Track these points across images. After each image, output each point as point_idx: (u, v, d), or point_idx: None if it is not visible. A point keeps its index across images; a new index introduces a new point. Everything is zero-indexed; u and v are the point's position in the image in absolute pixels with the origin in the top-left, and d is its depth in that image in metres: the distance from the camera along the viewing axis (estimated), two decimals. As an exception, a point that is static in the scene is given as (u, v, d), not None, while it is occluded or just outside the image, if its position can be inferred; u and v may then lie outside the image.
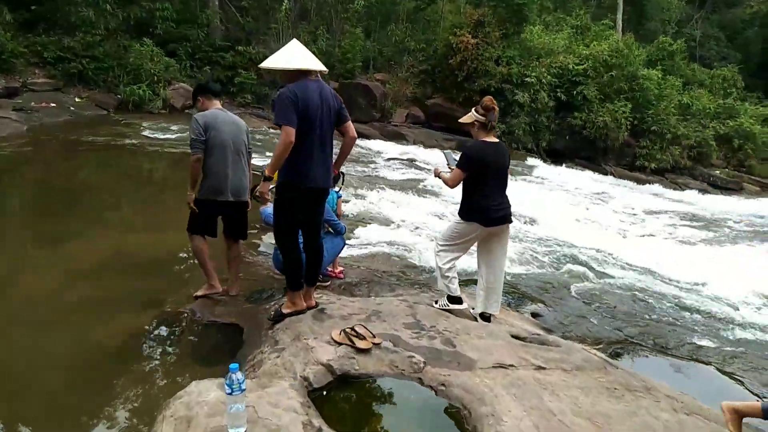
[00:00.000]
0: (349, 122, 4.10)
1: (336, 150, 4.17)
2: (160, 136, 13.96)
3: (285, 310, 4.06)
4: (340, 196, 5.46)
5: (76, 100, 17.08)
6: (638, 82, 20.21)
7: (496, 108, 4.42)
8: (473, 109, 4.46)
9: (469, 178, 4.38)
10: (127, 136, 13.49)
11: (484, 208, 4.36)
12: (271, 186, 3.93)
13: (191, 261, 5.72)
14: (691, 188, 18.68)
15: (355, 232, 7.53)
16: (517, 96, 19.37)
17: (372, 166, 13.71)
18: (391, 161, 14.85)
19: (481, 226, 4.37)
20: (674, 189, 18.28)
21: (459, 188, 4.51)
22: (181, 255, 5.98)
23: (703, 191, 18.58)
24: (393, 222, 8.52)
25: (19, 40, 17.19)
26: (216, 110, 4.52)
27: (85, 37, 17.86)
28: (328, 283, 5.20)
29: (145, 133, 14.28)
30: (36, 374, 3.75)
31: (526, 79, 19.41)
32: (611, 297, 6.53)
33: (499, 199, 4.43)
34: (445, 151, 4.93)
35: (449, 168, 4.66)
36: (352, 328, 3.63)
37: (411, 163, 15.03)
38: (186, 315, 4.54)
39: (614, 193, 15.36)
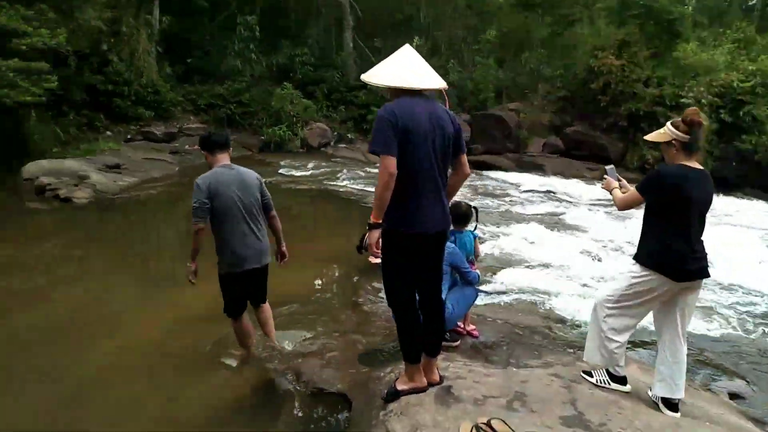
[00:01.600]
0: (464, 156, 3.15)
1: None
2: (295, 174, 13.99)
3: (400, 387, 3.14)
4: (477, 236, 4.48)
5: (225, 142, 17.88)
6: (820, 98, 16.99)
7: (703, 122, 3.22)
8: (669, 124, 3.30)
9: (660, 213, 3.22)
10: (265, 174, 13.54)
11: (679, 256, 3.15)
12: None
13: (310, 314, 5.06)
14: None
15: (489, 276, 6.47)
16: (672, 119, 17.07)
17: (507, 199, 12.52)
18: (528, 193, 13.54)
19: (670, 281, 3.16)
20: None
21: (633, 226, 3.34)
22: (298, 302, 5.35)
23: None
24: (533, 264, 7.32)
25: (177, 90, 18.52)
26: (219, 168, 3.79)
27: (233, 84, 18.83)
28: (458, 342, 4.21)
29: (282, 170, 14.41)
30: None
31: (681, 101, 17.10)
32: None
33: (697, 245, 3.21)
34: (608, 167, 3.79)
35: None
36: (488, 424, 2.61)
37: (550, 195, 13.61)
38: (290, 376, 3.81)
39: None
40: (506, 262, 7.33)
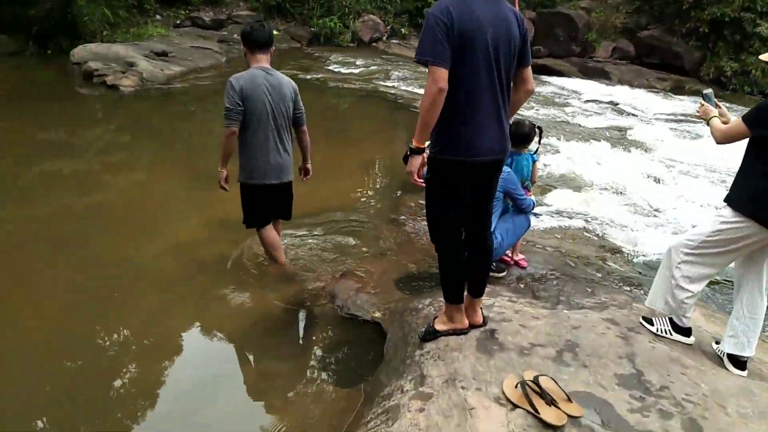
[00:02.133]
0: (529, 69, 2.64)
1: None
2: (344, 71, 13.32)
3: (439, 327, 2.88)
4: (536, 159, 4.01)
5: (274, 32, 16.97)
6: None
7: None
8: None
9: (763, 153, 2.71)
10: (312, 70, 13.05)
11: None
12: (424, 161, 2.64)
13: (346, 228, 4.80)
14: None
15: (542, 197, 6.02)
16: (761, 27, 15.28)
17: (566, 109, 11.63)
18: (590, 104, 12.56)
19: (764, 230, 2.70)
20: None
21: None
22: (334, 213, 5.09)
23: None
24: (590, 185, 6.79)
25: (226, -27, 17.58)
26: (255, 70, 3.43)
27: (286, -32, 17.71)
28: (503, 273, 3.90)
29: (331, 67, 13.76)
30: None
31: (776, 5, 15.18)
32: None
33: None
34: (705, 91, 3.24)
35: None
36: (536, 381, 2.34)
37: (614, 106, 12.58)
38: (324, 300, 3.62)
39: None
40: (560, 181, 6.81)
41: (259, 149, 3.51)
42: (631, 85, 15.34)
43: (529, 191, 3.98)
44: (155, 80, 10.60)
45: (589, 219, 5.69)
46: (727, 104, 14.61)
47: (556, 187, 6.50)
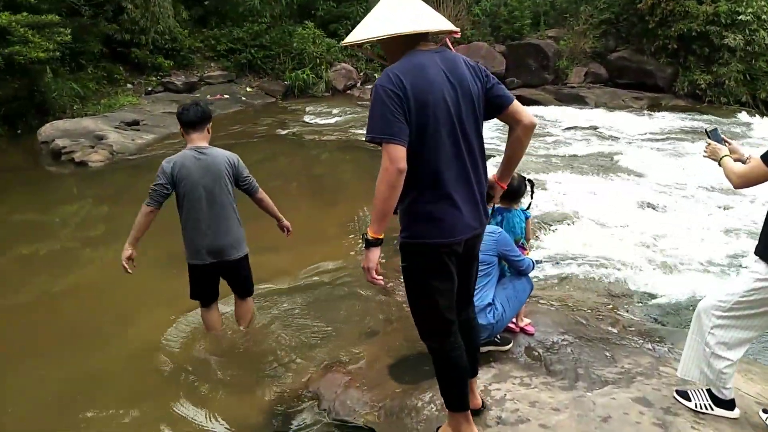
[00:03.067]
0: (516, 103, 2.24)
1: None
2: (320, 122, 13.05)
3: (443, 438, 2.39)
4: (529, 216, 3.59)
5: (247, 89, 16.99)
6: None
7: None
8: None
9: None
10: (288, 124, 12.74)
11: None
12: (381, 255, 2.17)
13: (328, 302, 4.33)
14: None
15: (538, 241, 5.59)
16: (727, 39, 15.28)
17: (548, 139, 11.35)
18: (571, 131, 12.31)
19: None
20: None
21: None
22: (315, 283, 4.61)
23: None
24: (586, 220, 6.36)
25: (195, 36, 17.46)
26: (187, 151, 3.40)
27: (253, 26, 17.64)
28: (510, 345, 3.40)
29: (307, 118, 13.48)
30: None
31: (739, 18, 15.21)
32: None
33: None
34: (710, 129, 2.83)
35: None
36: None
37: (595, 131, 12.34)
38: (307, 400, 3.11)
39: None
40: (554, 219, 6.38)
41: (193, 231, 3.44)
42: (608, 107, 15.19)
43: (525, 250, 3.54)
44: (126, 151, 10.21)
45: (592, 261, 5.26)
46: (707, 116, 14.57)
47: (551, 227, 6.08)
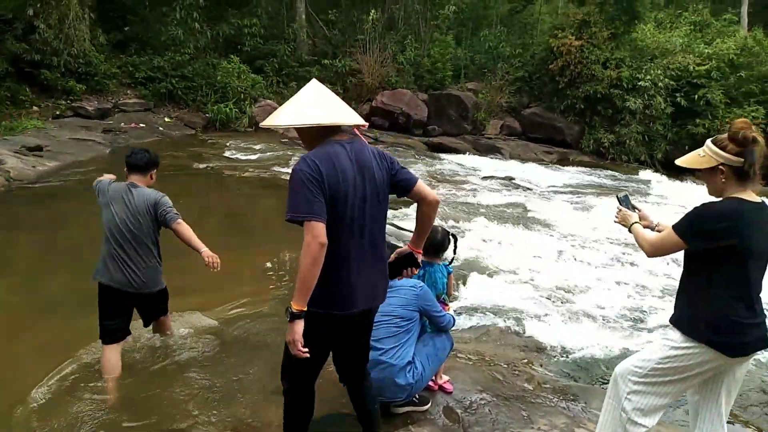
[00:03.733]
0: (420, 183, 2.51)
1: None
2: (242, 157, 12.70)
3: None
4: (451, 271, 3.54)
5: (165, 120, 16.36)
6: (772, 83, 16.80)
7: (761, 141, 2.34)
8: (711, 144, 2.42)
9: (710, 265, 2.35)
10: (206, 158, 12.29)
11: (737, 325, 2.31)
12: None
13: (239, 357, 4.03)
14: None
15: (454, 292, 5.57)
16: (629, 102, 16.61)
17: (467, 187, 11.66)
18: (488, 181, 12.71)
19: (720, 355, 2.32)
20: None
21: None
22: (223, 338, 4.30)
23: None
24: (500, 270, 6.48)
25: (112, 61, 16.70)
26: (122, 184, 3.57)
27: (175, 56, 17.13)
28: (428, 405, 3.27)
29: (227, 153, 13.09)
30: None
31: (638, 83, 16.60)
32: None
33: (758, 306, 2.36)
34: (620, 195, 2.87)
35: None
36: None
37: (510, 182, 12.82)
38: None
39: None
40: (470, 268, 6.43)
41: (109, 261, 3.48)
42: (522, 159, 15.92)
43: (446, 305, 3.47)
44: (24, 179, 9.38)
45: (508, 313, 5.31)
46: (609, 172, 15.52)
47: (467, 276, 6.10)
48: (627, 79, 16.81)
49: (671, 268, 6.35)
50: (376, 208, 2.38)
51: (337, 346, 2.55)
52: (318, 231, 2.12)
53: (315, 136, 2.33)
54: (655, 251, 2.51)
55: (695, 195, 13.78)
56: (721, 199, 2.40)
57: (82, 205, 8.07)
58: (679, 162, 2.58)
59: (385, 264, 2.51)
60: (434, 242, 3.38)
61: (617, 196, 2.88)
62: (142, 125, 15.24)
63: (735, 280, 2.32)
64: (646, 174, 15.86)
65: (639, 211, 2.81)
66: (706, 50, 17.45)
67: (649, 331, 5.06)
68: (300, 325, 2.18)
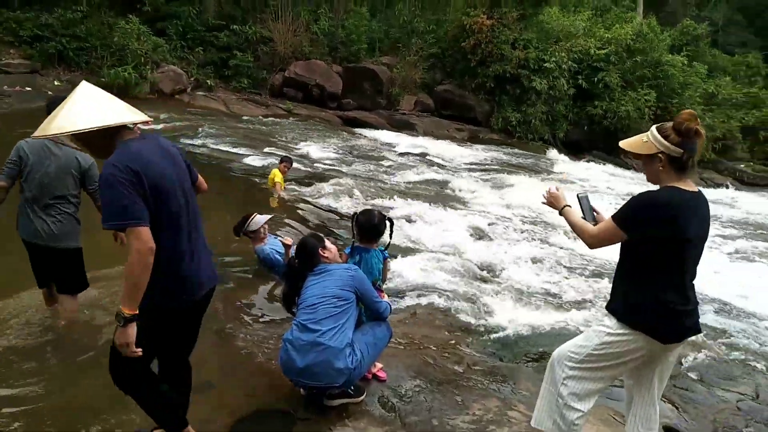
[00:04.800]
0: (199, 177, 2.62)
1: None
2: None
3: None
4: (387, 257, 3.40)
5: (55, 83, 14.81)
6: (663, 68, 18.09)
7: (702, 132, 2.35)
8: (654, 131, 2.40)
9: (647, 254, 2.35)
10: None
11: (671, 312, 2.34)
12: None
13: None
14: (717, 183, 16.82)
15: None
16: (534, 83, 17.22)
17: (384, 163, 11.58)
18: (404, 157, 12.71)
19: (654, 341, 2.35)
20: (704, 186, 16.28)
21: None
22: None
23: (728, 186, 16.57)
24: (421, 249, 6.47)
25: (-9, 16, 14.79)
26: (47, 140, 3.43)
27: (66, 13, 15.50)
28: (363, 396, 3.15)
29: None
30: None
31: (544, 65, 17.24)
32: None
33: (692, 294, 2.41)
34: (580, 195, 2.79)
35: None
36: None
37: (425, 158, 12.91)
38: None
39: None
40: (393, 247, 6.33)
41: (24, 212, 3.50)
42: (435, 136, 16.10)
43: (382, 292, 3.34)
44: None
45: (431, 292, 5.28)
46: (517, 150, 16.07)
47: (391, 256, 6.00)
48: (534, 60, 17.38)
49: (583, 244, 6.63)
50: (191, 194, 2.41)
51: (172, 338, 2.45)
52: (146, 236, 2.06)
53: (103, 139, 2.17)
54: (595, 242, 2.50)
55: (593, 174, 14.67)
56: (658, 188, 2.42)
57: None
58: (622, 144, 2.57)
59: (206, 241, 2.53)
60: (371, 227, 3.23)
61: (578, 196, 2.77)
62: (28, 89, 13.71)
63: (671, 268, 2.35)
64: (551, 153, 16.62)
65: (597, 213, 2.74)
66: (606, 35, 18.40)
67: (566, 307, 5.24)
68: (133, 328, 2.11)
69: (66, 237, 3.54)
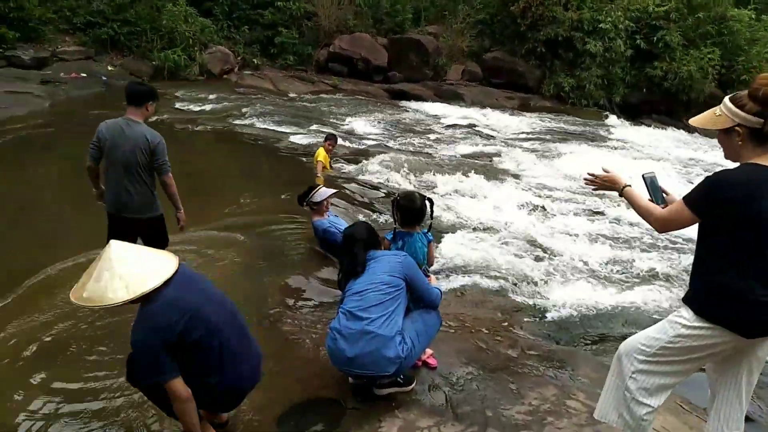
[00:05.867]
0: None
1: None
2: (194, 109, 11.93)
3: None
4: (431, 239, 3.25)
5: (109, 68, 15.20)
6: (727, 24, 16.79)
7: None
8: (728, 101, 2.12)
9: (724, 239, 2.10)
10: (157, 110, 11.45)
11: (752, 303, 2.08)
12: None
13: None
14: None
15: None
16: (589, 45, 16.37)
17: (431, 137, 11.30)
18: (451, 129, 12.38)
19: (736, 335, 2.11)
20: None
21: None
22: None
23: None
24: (472, 226, 6.26)
25: (46, 5, 15.19)
26: (120, 120, 3.78)
27: (115, -2, 15.77)
28: (413, 385, 3.03)
29: (178, 105, 12.26)
30: None
31: (599, 26, 16.33)
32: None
33: None
34: (646, 175, 2.49)
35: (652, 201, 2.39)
36: None
37: (474, 129, 12.53)
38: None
39: (712, 158, 12.25)
40: (441, 226, 6.17)
41: (112, 187, 3.83)
42: (483, 106, 15.59)
43: (429, 277, 3.20)
44: (-49, 137, 8.50)
45: (481, 271, 5.10)
46: (570, 117, 15.38)
47: (440, 235, 5.85)
48: (588, 21, 16.50)
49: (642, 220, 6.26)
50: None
51: None
52: (177, 388, 2.24)
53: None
54: (663, 226, 2.26)
55: (653, 139, 13.87)
56: (737, 164, 2.14)
57: (23, 168, 7.39)
58: (692, 122, 2.29)
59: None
60: (413, 211, 3.08)
61: (643, 176, 2.50)
62: (83, 75, 14.12)
63: (752, 255, 2.09)
64: (608, 120, 15.82)
65: (668, 195, 2.48)
66: (666, -10, 17.20)
67: (627, 286, 4.96)
68: None
69: (146, 207, 3.89)
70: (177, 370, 2.23)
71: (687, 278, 2.41)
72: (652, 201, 2.37)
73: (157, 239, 3.95)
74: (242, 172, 7.79)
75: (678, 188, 3.02)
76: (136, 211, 3.85)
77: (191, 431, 2.30)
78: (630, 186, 2.45)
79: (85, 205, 3.99)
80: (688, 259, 5.42)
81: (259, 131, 10.10)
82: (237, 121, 10.78)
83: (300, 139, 9.67)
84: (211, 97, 13.16)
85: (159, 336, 2.18)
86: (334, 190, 4.92)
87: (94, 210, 4.26)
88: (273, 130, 10.28)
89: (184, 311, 2.24)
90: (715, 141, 2.36)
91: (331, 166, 7.53)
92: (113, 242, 2.28)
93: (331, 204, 5.10)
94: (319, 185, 4.74)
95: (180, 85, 14.48)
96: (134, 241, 3.66)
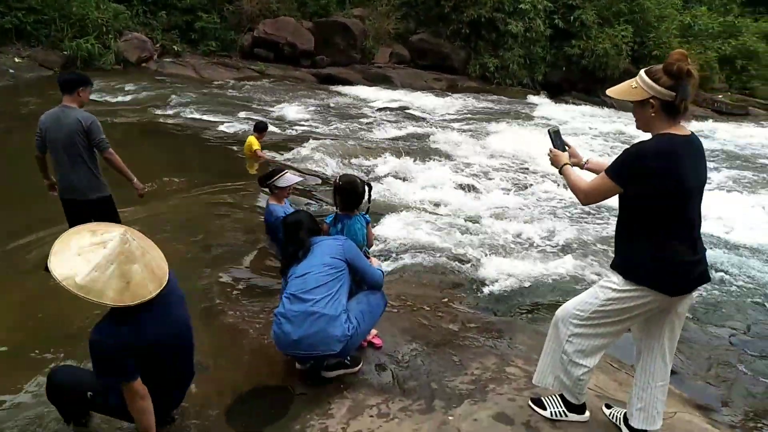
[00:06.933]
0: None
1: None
2: (111, 100, 11.35)
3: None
4: (369, 221, 3.29)
5: (15, 60, 14.16)
6: (638, 2, 17.71)
7: (695, 73, 2.21)
8: (643, 74, 2.25)
9: (647, 207, 2.25)
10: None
11: (678, 265, 2.26)
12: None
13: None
14: (696, 115, 16.76)
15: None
16: (510, 25, 16.84)
17: (362, 121, 11.32)
18: (383, 112, 12.43)
19: (662, 295, 2.28)
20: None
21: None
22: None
23: (706, 118, 16.52)
24: (408, 206, 6.35)
25: (-63, -9, 13.92)
26: (57, 108, 3.98)
27: (17, -16, 14.63)
28: (359, 366, 3.08)
29: (94, 96, 11.54)
30: None
31: (519, 6, 16.79)
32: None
33: (699, 244, 2.33)
34: (551, 129, 2.66)
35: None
36: None
37: (404, 112, 12.64)
38: None
39: (632, 131, 12.99)
40: (379, 209, 6.22)
41: (57, 172, 4.05)
42: (413, 88, 15.76)
43: (370, 258, 3.24)
44: None
45: (419, 250, 5.21)
46: (496, 96, 15.82)
47: (376, 217, 5.90)
48: (509, 2, 16.92)
49: (569, 193, 6.58)
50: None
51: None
52: (136, 388, 2.22)
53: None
54: (589, 199, 2.40)
55: (574, 115, 14.52)
56: (650, 136, 2.30)
57: None
58: (609, 92, 2.43)
59: None
60: (353, 195, 3.11)
61: (548, 131, 2.68)
62: (-14, 68, 13.09)
63: (673, 219, 2.26)
64: (531, 98, 16.36)
65: (569, 147, 2.67)
66: (580, -30, 17.88)
67: (557, 256, 5.21)
68: None
69: (91, 189, 4.03)
70: (138, 370, 2.23)
71: (611, 246, 2.58)
72: (557, 149, 2.54)
73: (109, 220, 3.82)
74: (170, 165, 7.49)
75: (590, 155, 3.20)
76: (83, 193, 4.03)
77: (148, 430, 2.28)
78: (568, 164, 2.58)
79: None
80: (610, 229, 5.77)
81: (184, 121, 9.75)
82: (159, 111, 10.37)
83: (228, 127, 9.43)
84: (130, 87, 12.55)
85: (125, 339, 2.17)
86: (300, 178, 4.86)
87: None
88: (199, 119, 9.96)
89: (145, 341, 2.22)
90: (630, 116, 2.52)
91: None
92: (128, 234, 2.16)
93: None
94: (284, 170, 4.60)
95: (95, 75, 13.55)
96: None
